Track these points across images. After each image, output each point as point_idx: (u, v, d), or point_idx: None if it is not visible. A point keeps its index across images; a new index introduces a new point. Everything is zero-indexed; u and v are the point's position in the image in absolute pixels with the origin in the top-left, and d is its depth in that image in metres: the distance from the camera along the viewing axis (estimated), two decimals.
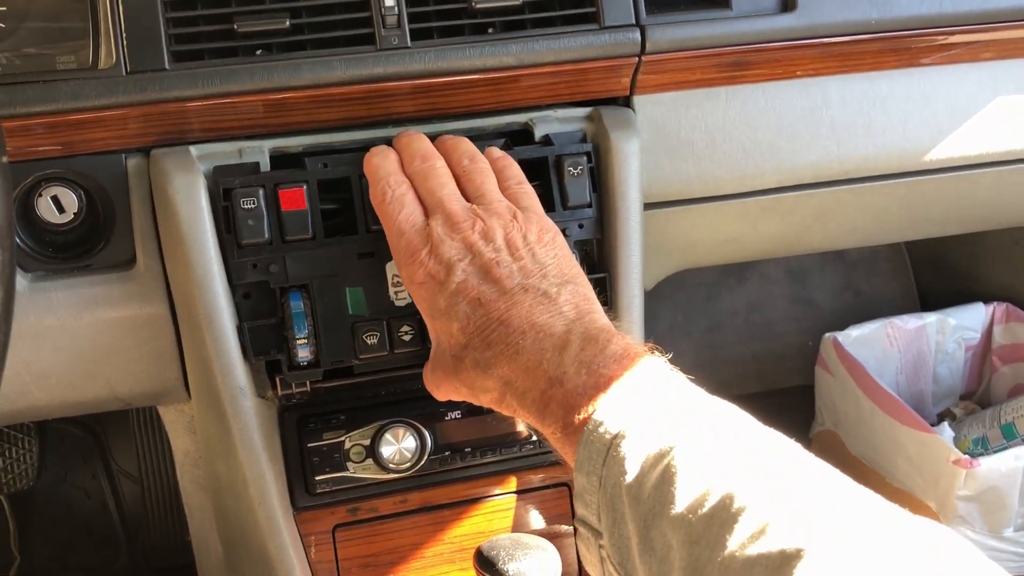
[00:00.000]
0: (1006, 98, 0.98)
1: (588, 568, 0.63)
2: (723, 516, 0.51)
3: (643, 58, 0.84)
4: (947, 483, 1.27)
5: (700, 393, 0.62)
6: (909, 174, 0.98)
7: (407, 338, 0.79)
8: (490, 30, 0.81)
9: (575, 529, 0.63)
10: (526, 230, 0.71)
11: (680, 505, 0.53)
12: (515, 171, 0.78)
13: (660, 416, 0.58)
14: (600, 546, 0.60)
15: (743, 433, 0.58)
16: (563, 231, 0.77)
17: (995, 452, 1.28)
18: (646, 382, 0.61)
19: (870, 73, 0.94)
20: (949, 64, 0.96)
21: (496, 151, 0.79)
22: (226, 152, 0.79)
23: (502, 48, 0.80)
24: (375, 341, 0.78)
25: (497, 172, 0.77)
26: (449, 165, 0.75)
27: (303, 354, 0.77)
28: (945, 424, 1.45)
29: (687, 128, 0.90)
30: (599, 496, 0.59)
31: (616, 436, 0.58)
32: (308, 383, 0.80)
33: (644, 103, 0.88)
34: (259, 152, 0.79)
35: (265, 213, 0.75)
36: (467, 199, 0.73)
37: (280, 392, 0.80)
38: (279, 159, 0.80)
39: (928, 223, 1.12)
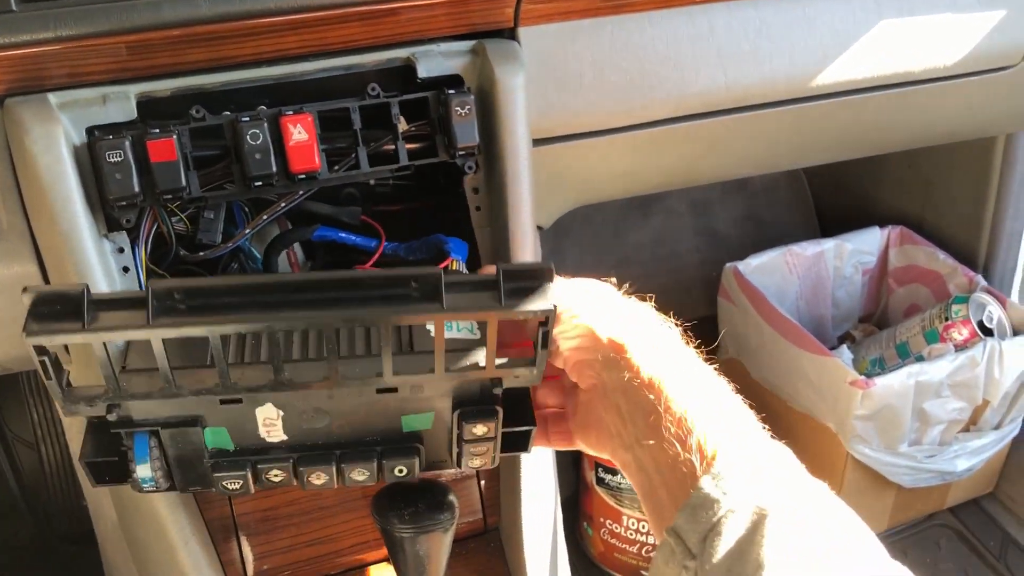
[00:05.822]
0: (889, 22, 0.99)
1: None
2: None
3: None
4: (845, 404, 1.30)
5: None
6: (797, 100, 0.98)
7: (277, 479, 0.68)
8: None
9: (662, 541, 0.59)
10: None
11: None
12: None
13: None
14: (685, 567, 0.57)
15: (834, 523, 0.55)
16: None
17: (891, 371, 1.32)
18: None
19: None
20: None
21: None
22: (89, 99, 0.74)
23: None
24: (238, 486, 0.67)
25: None
26: None
27: (152, 488, 0.67)
28: (844, 347, 1.49)
29: (574, 60, 0.88)
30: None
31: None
32: None
33: (530, 35, 0.86)
34: (124, 98, 0.75)
35: (133, 164, 0.70)
36: None
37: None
38: (147, 104, 0.76)
39: (819, 149, 1.13)
